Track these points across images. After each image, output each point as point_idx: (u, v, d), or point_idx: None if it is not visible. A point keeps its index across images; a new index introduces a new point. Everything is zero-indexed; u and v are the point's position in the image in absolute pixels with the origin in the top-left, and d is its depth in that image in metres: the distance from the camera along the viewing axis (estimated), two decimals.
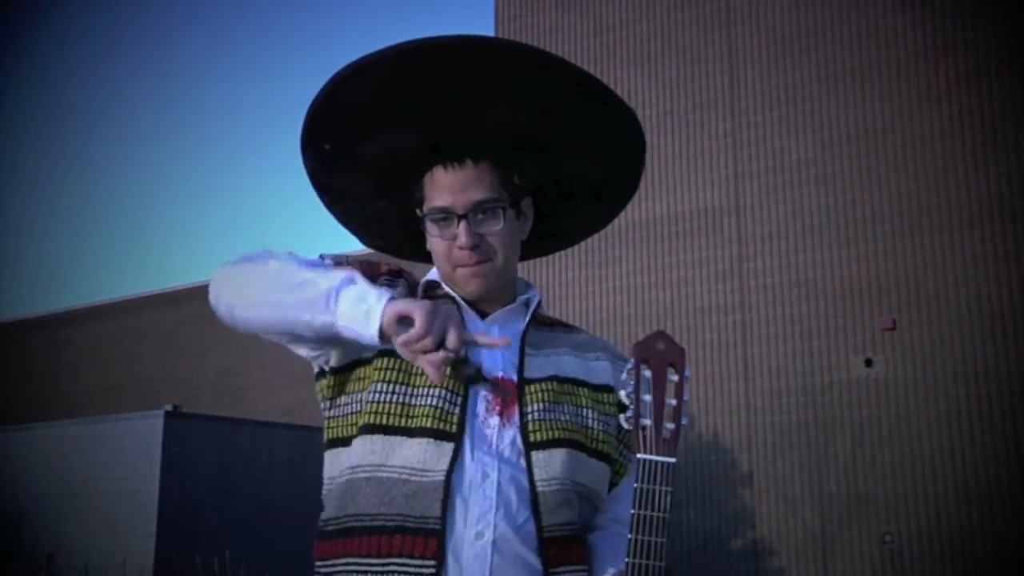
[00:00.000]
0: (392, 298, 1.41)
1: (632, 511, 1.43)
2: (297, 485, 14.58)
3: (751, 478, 14.67)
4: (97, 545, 14.04)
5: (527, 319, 1.67)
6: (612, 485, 1.63)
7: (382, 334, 1.40)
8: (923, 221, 13.97)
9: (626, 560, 1.43)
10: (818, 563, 13.91)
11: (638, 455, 1.45)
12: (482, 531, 1.49)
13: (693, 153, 15.94)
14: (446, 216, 1.61)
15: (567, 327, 1.75)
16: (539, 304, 1.72)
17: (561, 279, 16.51)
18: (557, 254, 2.10)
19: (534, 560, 1.51)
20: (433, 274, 1.69)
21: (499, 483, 1.52)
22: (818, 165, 14.89)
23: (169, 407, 15.44)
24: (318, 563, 1.58)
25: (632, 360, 1.50)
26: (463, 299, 1.64)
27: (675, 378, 1.50)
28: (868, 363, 13.98)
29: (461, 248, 1.59)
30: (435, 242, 1.64)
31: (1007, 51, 13.75)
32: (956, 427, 13.26)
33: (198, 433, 14.80)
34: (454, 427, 1.53)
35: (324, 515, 1.59)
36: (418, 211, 1.66)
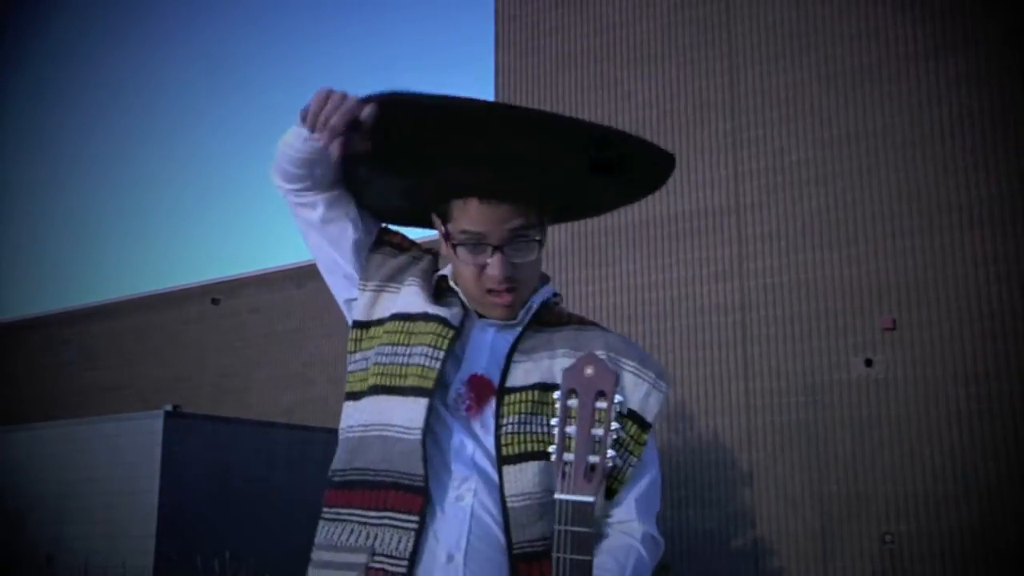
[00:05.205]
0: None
1: (553, 554, 1.38)
2: (297, 485, 14.57)
3: (751, 478, 14.66)
4: (97, 545, 14.04)
5: (524, 323, 1.69)
6: (612, 492, 1.60)
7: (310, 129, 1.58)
8: (923, 221, 13.96)
9: None
10: (818, 563, 13.91)
11: (555, 495, 1.40)
12: (462, 495, 1.55)
13: (693, 153, 15.93)
14: (479, 243, 1.63)
15: (580, 324, 1.73)
16: (546, 303, 1.72)
17: (561, 279, 16.51)
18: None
19: (501, 541, 1.54)
20: (448, 271, 1.74)
21: (474, 454, 1.58)
22: (818, 165, 14.88)
23: (169, 407, 15.46)
24: (326, 509, 1.66)
25: (562, 388, 1.45)
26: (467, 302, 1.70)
27: (603, 405, 1.41)
28: (868, 363, 13.98)
29: (494, 278, 1.62)
30: (464, 267, 1.66)
31: (1007, 51, 13.75)
32: (956, 427, 13.25)
33: (198, 433, 14.80)
34: (431, 383, 1.58)
35: (334, 465, 1.67)
36: (442, 227, 1.68)
